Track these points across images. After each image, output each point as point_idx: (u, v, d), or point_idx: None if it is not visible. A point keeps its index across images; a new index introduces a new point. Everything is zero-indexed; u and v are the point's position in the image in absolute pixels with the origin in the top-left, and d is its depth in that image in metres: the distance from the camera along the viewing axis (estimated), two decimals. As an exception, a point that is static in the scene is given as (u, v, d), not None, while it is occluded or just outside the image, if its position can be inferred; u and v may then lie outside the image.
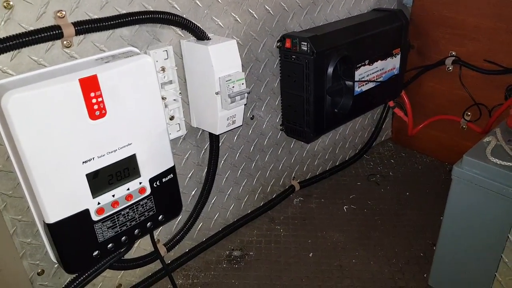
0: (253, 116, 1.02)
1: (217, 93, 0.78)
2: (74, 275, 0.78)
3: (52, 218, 0.64)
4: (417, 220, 1.12)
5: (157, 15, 0.73)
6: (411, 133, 1.38)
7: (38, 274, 0.75)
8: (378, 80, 1.14)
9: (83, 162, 0.65)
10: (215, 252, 1.03)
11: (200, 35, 0.78)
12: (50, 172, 0.61)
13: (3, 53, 0.59)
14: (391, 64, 1.17)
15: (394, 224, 1.11)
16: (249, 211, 1.12)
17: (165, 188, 0.78)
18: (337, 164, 1.35)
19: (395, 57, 1.17)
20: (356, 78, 1.06)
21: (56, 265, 0.76)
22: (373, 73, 1.12)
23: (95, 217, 0.69)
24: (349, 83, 1.05)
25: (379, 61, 1.12)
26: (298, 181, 1.23)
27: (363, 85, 1.10)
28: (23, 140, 0.58)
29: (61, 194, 0.64)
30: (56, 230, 0.65)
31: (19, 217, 0.70)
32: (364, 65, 1.08)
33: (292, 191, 1.21)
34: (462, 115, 1.24)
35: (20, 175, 0.65)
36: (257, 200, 1.13)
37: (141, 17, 0.71)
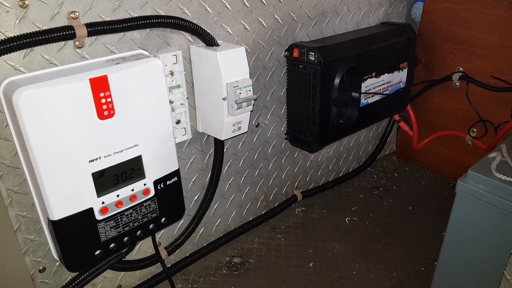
0: (258, 123, 1.02)
1: (224, 99, 0.79)
2: (75, 274, 0.78)
3: (56, 215, 0.65)
4: (418, 234, 1.11)
5: (168, 20, 0.74)
6: (415, 147, 1.37)
7: (40, 271, 0.75)
8: (385, 93, 1.15)
9: (90, 161, 0.66)
10: (215, 258, 1.03)
11: (210, 41, 0.80)
12: (57, 169, 0.62)
13: (16, 51, 0.61)
14: (398, 78, 1.18)
15: (396, 237, 1.10)
16: (250, 219, 1.12)
17: (169, 191, 0.78)
18: (340, 175, 1.34)
19: (402, 70, 1.18)
20: (363, 90, 1.07)
21: (57, 263, 0.77)
22: (379, 85, 1.12)
23: (99, 216, 0.69)
24: (355, 94, 1.05)
25: (386, 74, 1.13)
26: (301, 190, 1.23)
27: (369, 97, 1.11)
28: (32, 136, 0.59)
29: (67, 191, 0.65)
30: (60, 228, 0.66)
31: (23, 214, 0.70)
32: (371, 77, 1.09)
33: (294, 201, 1.21)
34: (467, 131, 1.23)
35: (27, 172, 0.66)
36: (259, 208, 1.13)
37: (152, 21, 0.72)
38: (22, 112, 0.58)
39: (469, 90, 1.20)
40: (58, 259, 0.74)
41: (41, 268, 0.75)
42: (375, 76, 1.10)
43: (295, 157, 1.16)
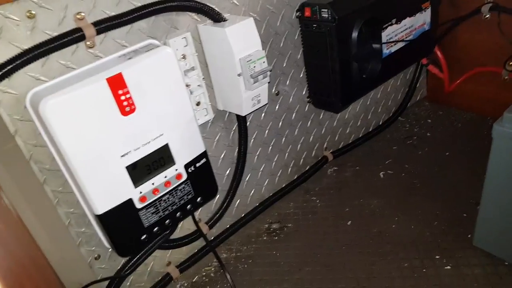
0: (278, 92, 1.01)
1: (239, 75, 0.78)
2: (129, 257, 0.84)
3: (100, 210, 0.69)
4: (458, 180, 1.09)
5: (171, 3, 0.73)
6: (448, 89, 1.31)
7: (95, 258, 0.82)
8: (408, 39, 1.09)
9: (121, 155, 0.69)
10: (254, 226, 1.07)
11: (216, 17, 0.78)
12: (92, 168, 0.66)
13: (33, 62, 0.63)
14: (421, 20, 1.10)
15: (434, 186, 1.08)
16: (283, 185, 1.13)
17: (200, 172, 0.81)
18: (370, 129, 1.32)
19: (425, 11, 1.10)
20: (383, 40, 1.02)
21: (110, 250, 0.83)
22: (401, 32, 1.06)
23: (138, 205, 0.73)
24: (376, 46, 1.01)
25: (407, 18, 1.06)
26: (331, 151, 1.22)
27: (391, 46, 1.05)
28: (64, 141, 0.62)
29: (106, 187, 0.68)
30: (106, 220, 0.71)
31: (71, 210, 0.76)
32: (391, 24, 1.03)
33: (325, 162, 1.21)
34: (503, 65, 1.15)
35: (66, 173, 0.70)
36: (290, 173, 1.14)
37: (156, 7, 0.71)
38: (50, 121, 0.60)
39: (501, 20, 1.10)
40: (109, 247, 0.80)
41: (96, 256, 0.82)
42: (396, 23, 1.04)
43: (321, 118, 1.15)
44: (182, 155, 0.77)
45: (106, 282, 0.84)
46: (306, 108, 1.10)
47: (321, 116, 1.15)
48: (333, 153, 1.22)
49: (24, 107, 0.64)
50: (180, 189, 0.79)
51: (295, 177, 1.16)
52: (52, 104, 0.60)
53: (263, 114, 1.00)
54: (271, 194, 1.11)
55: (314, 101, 1.08)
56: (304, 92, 1.07)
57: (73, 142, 0.63)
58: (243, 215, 1.06)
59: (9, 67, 0.61)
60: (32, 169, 0.70)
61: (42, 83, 0.65)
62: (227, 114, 0.92)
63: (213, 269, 0.97)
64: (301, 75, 1.05)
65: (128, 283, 0.88)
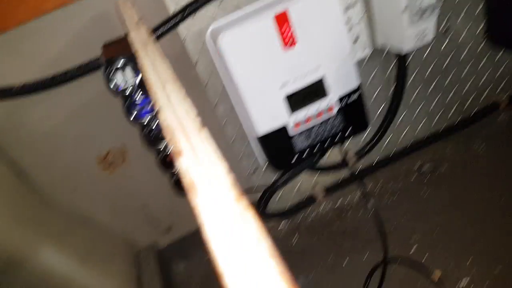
0: (447, 28, 0.90)
1: (404, 9, 0.74)
2: (279, 174, 0.96)
3: (259, 132, 0.81)
4: None
5: None
6: None
7: (254, 171, 0.96)
8: None
9: (281, 86, 0.77)
10: (405, 164, 1.04)
11: None
12: (256, 95, 0.77)
13: (212, 2, 0.74)
14: None
15: None
16: (442, 127, 1.06)
17: (352, 105, 0.84)
18: None
19: None
20: None
21: (265, 166, 0.96)
22: None
23: (292, 131, 0.83)
24: None
25: None
26: (506, 96, 1.05)
27: None
28: (235, 70, 0.73)
29: (266, 113, 0.79)
30: (263, 141, 0.83)
31: (236, 129, 0.90)
32: None
33: (497, 108, 1.05)
34: None
35: (233, 100, 0.83)
36: (452, 116, 1.05)
37: None
38: (226, 52, 0.72)
39: None
40: (264, 164, 0.93)
41: (254, 168, 0.96)
42: None
43: (498, 58, 0.99)
44: (337, 88, 0.80)
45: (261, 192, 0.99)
46: (481, 46, 0.96)
47: (498, 56, 0.99)
48: (509, 98, 1.05)
49: (204, 41, 0.77)
50: (332, 120, 0.84)
51: (458, 120, 1.06)
52: (228, 38, 0.71)
53: (427, 51, 0.93)
54: (427, 135, 1.05)
55: (493, 38, 0.93)
56: (480, 28, 0.93)
57: (242, 71, 0.74)
58: (393, 152, 1.05)
59: (193, 7, 0.73)
60: (207, 93, 0.84)
61: (219, 21, 0.76)
62: (386, 50, 0.89)
63: (356, 197, 1.02)
64: (478, 9, 0.90)
65: (277, 198, 1.02)
